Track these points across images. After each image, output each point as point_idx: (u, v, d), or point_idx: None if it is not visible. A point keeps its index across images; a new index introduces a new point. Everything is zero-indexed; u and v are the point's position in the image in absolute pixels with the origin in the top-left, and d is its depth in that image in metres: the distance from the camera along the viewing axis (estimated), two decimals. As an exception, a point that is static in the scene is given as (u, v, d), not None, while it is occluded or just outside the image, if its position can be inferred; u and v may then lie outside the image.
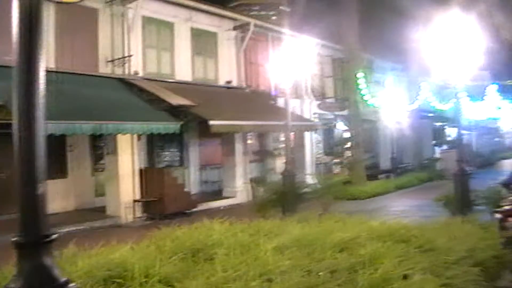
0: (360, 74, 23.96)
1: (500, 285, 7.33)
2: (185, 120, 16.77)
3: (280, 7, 38.25)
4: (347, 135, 26.86)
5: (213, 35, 21.16)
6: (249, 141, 22.32)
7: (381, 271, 5.86)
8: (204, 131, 18.02)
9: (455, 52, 12.22)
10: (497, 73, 33.72)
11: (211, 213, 11.34)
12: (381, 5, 25.92)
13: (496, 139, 58.92)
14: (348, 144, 24.82)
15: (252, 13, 25.02)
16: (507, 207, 7.09)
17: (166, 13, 19.04)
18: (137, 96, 16.59)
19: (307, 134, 25.16)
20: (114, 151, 16.54)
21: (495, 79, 33.06)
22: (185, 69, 19.76)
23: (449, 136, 37.65)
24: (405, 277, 5.88)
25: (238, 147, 20.97)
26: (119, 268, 6.07)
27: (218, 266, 6.17)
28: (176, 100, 16.83)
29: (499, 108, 37.76)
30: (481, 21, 13.55)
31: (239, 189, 20.37)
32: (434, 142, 38.38)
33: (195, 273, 6.18)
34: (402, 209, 16.88)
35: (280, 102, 20.98)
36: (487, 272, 7.02)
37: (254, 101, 21.12)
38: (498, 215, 7.14)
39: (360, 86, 24.17)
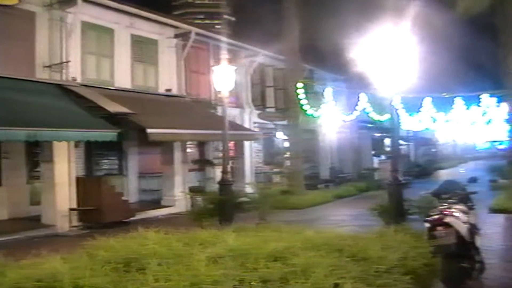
0: (300, 85, 24.16)
1: (431, 292, 7.49)
2: (123, 128, 16.56)
3: (225, 17, 38.31)
4: (287, 144, 27.03)
5: (154, 42, 21.03)
6: (188, 150, 22.24)
7: (312, 280, 5.90)
8: (143, 139, 17.85)
9: (391, 65, 12.47)
10: (432, 85, 34.47)
11: (150, 222, 11.22)
12: (322, 16, 26.27)
13: (433, 150, 60.34)
14: (288, 154, 24.96)
15: (196, 21, 25.09)
16: (435, 217, 7.24)
17: (106, 19, 18.82)
18: (75, 103, 16.27)
19: (247, 144, 25.25)
20: (50, 159, 16.20)
21: (430, 92, 33.75)
22: (124, 76, 19.57)
23: (388, 146, 38.30)
24: (336, 286, 5.94)
25: (177, 155, 20.86)
26: (49, 279, 5.96)
27: (150, 276, 6.10)
28: (114, 107, 16.62)
29: (435, 120, 38.59)
30: (417, 35, 13.86)
31: (178, 198, 20.22)
32: (373, 152, 39.03)
33: (126, 283, 6.10)
34: (339, 218, 17.10)
35: (220, 111, 21.00)
36: (418, 280, 7.15)
37: (193, 109, 21.04)
38: (427, 224, 7.28)
39: (300, 96, 24.36)
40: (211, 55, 22.99)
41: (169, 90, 21.08)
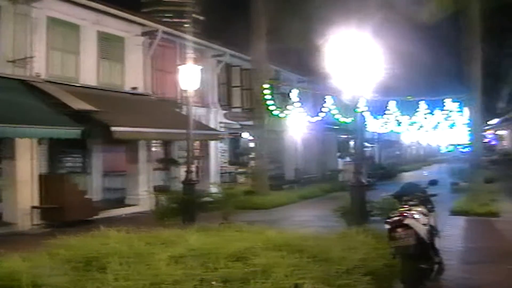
0: (266, 85, 24.23)
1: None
2: (88, 126, 16.40)
3: (193, 16, 38.18)
4: (252, 145, 27.09)
5: (121, 40, 20.86)
6: (153, 149, 22.14)
7: (272, 280, 5.95)
8: (107, 137, 17.66)
9: (356, 68, 12.60)
10: (397, 89, 34.91)
11: (113, 221, 11.20)
12: (290, 18, 26.37)
13: (397, 153, 61.01)
14: (253, 154, 25.00)
15: (165, 19, 24.91)
16: (395, 218, 7.33)
17: (73, 15, 18.57)
18: (39, 99, 16.03)
19: (212, 143, 25.23)
20: (12, 156, 15.93)
21: (395, 95, 34.18)
22: (90, 73, 19.37)
23: (353, 148, 38.61)
24: (296, 286, 5.99)
25: (142, 154, 20.75)
26: (7, 278, 5.90)
27: (110, 275, 6.09)
28: (79, 105, 16.46)
29: (400, 123, 39.10)
30: (382, 39, 14.02)
31: (142, 197, 20.09)
32: (338, 154, 39.31)
33: (86, 282, 6.08)
34: (303, 219, 17.17)
35: (186, 110, 20.94)
36: (378, 280, 7.25)
37: (159, 108, 20.93)
38: (387, 226, 7.37)
39: (266, 97, 24.44)
40: (178, 54, 22.91)
41: (135, 88, 20.95)
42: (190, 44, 19.52)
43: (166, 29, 22.46)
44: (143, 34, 21.66)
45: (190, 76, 15.85)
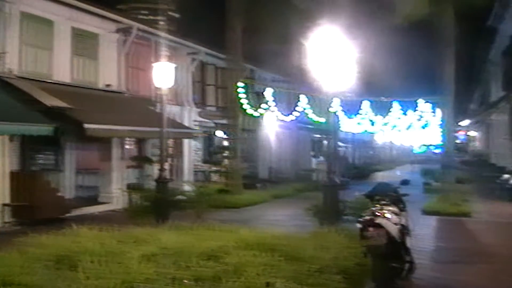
0: (241, 84, 24.24)
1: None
2: (60, 123, 16.25)
3: (169, 13, 38.09)
4: (226, 143, 27.07)
5: (95, 36, 20.67)
6: (127, 147, 22.01)
7: (244, 279, 5.97)
8: (80, 134, 17.50)
9: (330, 67, 12.67)
10: (371, 89, 35.16)
11: (86, 219, 11.12)
12: (265, 17, 26.42)
13: (371, 153, 61.44)
14: (227, 153, 24.99)
15: (140, 16, 24.75)
16: (367, 218, 7.39)
17: (46, 10, 18.34)
18: (11, 96, 15.80)
19: (186, 142, 25.15)
20: (-18, 153, 15.79)
21: (369, 95, 34.44)
22: (63, 70, 19.16)
23: (327, 148, 38.76)
24: (268, 285, 6.01)
25: (116, 152, 20.62)
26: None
27: (82, 274, 6.06)
28: (52, 101, 16.30)
29: (373, 123, 39.35)
30: (357, 40, 14.10)
31: (116, 195, 19.97)
32: (312, 153, 39.46)
33: (57, 281, 6.03)
34: (275, 218, 17.21)
35: (160, 108, 20.87)
36: (350, 279, 7.30)
37: (133, 106, 20.82)
38: (359, 225, 7.42)
39: (240, 96, 24.44)
40: (153, 51, 22.78)
41: (109, 85, 20.79)
42: (165, 42, 19.42)
43: (141, 26, 22.31)
44: (118, 31, 21.49)
45: (164, 74, 15.82)
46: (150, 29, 23.09)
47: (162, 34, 22.10)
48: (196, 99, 26.99)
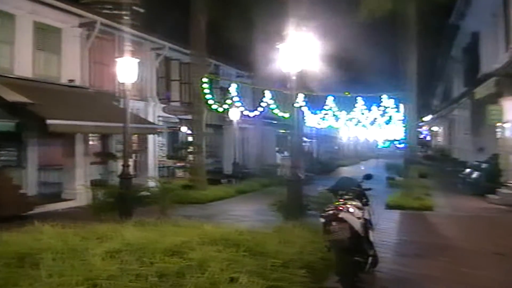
0: (205, 79, 24.18)
1: (326, 285, 7.68)
2: (22, 119, 16.05)
3: (133, 8, 37.76)
4: (191, 139, 27.01)
5: (58, 31, 20.42)
6: (91, 142, 21.81)
7: (208, 274, 5.97)
8: (43, 130, 17.30)
9: (293, 63, 12.73)
10: (335, 85, 35.40)
11: (49, 216, 10.96)
12: (230, 12, 26.41)
13: (336, 148, 61.86)
14: (191, 148, 24.92)
15: (104, 11, 24.34)
16: (330, 212, 7.44)
17: (8, 4, 18.06)
18: (-29, 91, 15.65)
19: (150, 137, 25.05)
20: None
21: (333, 91, 34.66)
22: (25, 65, 18.90)
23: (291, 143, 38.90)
24: (231, 279, 6.02)
25: (79, 148, 20.43)
26: None
27: (44, 271, 5.99)
28: (13, 97, 16.09)
29: (337, 118, 39.58)
30: (322, 36, 14.21)
31: (79, 192, 19.76)
32: (277, 148, 39.57)
33: (18, 279, 5.96)
34: (240, 213, 17.23)
35: (124, 104, 20.73)
36: (314, 273, 7.35)
37: (97, 101, 20.64)
38: (322, 220, 7.46)
39: (205, 91, 24.39)
40: (117, 46, 22.59)
41: (72, 80, 20.56)
42: (129, 37, 19.27)
43: (104, 20, 22.08)
44: (81, 25, 21.27)
45: (127, 69, 15.73)
46: (114, 24, 22.87)
47: (126, 29, 21.91)
48: (161, 95, 26.86)
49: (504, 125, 20.08)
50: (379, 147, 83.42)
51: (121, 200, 14.38)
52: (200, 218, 12.54)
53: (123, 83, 16.26)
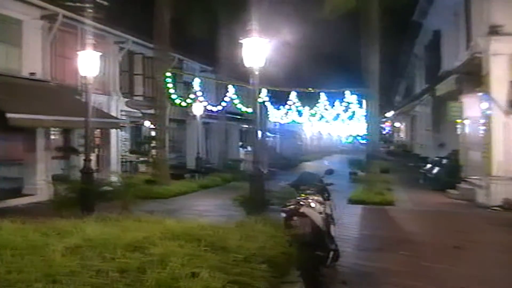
0: (168, 74, 24.08)
1: (288, 280, 7.73)
2: (-19, 112, 15.79)
3: (97, 0, 37.37)
4: (154, 134, 26.88)
5: (19, 22, 20.07)
6: (52, 137, 21.55)
7: (169, 269, 5.96)
8: (3, 124, 17.06)
9: (256, 58, 12.75)
10: (298, 80, 35.58)
11: (9, 212, 10.88)
12: (193, 7, 26.34)
13: (299, 143, 62.14)
14: (154, 143, 24.80)
15: (67, 3, 23.96)
16: (291, 207, 7.47)
17: (-35, -5, 17.81)
18: None
19: (113, 132, 24.83)
20: None
21: (296, 87, 34.82)
22: (-15, 57, 18.63)
23: (254, 138, 38.95)
24: (193, 274, 6.02)
25: (40, 142, 20.18)
26: None
27: (2, 268, 5.91)
28: (-30, 90, 15.83)
29: (301, 113, 39.84)
30: (285, 32, 14.26)
31: (40, 187, 19.55)
32: (240, 143, 39.65)
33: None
34: (203, 208, 17.25)
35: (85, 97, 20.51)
36: (275, 268, 7.38)
37: (59, 95, 20.38)
38: (283, 214, 7.50)
39: (168, 86, 24.30)
40: (80, 39, 22.32)
41: (33, 73, 20.25)
42: (91, 30, 19.03)
43: (67, 13, 21.74)
44: (43, 17, 20.95)
45: (90, 63, 15.59)
46: (77, 17, 22.55)
47: (89, 21, 21.64)
48: (124, 89, 26.64)
49: (464, 121, 20.45)
50: (342, 142, 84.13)
51: (83, 195, 14.26)
52: (163, 213, 12.50)
53: (85, 77, 16.11)
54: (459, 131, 21.80)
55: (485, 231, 12.93)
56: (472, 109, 19.30)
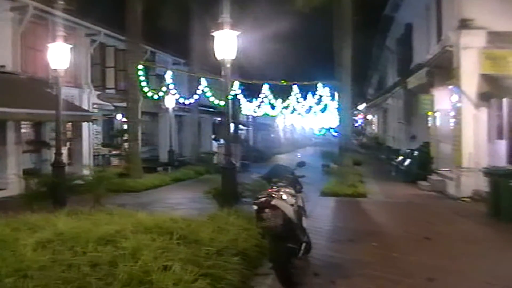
0: (140, 66, 23.95)
1: (260, 272, 7.77)
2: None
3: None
4: (126, 127, 26.73)
5: (-13, 14, 19.84)
6: (23, 130, 21.32)
7: (141, 263, 5.97)
8: (-28, 118, 16.90)
9: (229, 51, 12.76)
10: (271, 73, 35.62)
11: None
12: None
13: (272, 136, 62.26)
14: (127, 136, 24.65)
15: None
16: (263, 199, 7.46)
17: None
18: None
19: (85, 125, 24.62)
20: None
21: (269, 79, 34.86)
22: (-47, 50, 18.35)
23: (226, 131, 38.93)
24: (165, 268, 6.04)
25: (11, 136, 19.94)
26: None
27: (-28, 264, 5.88)
28: None
29: (273, 106, 39.93)
30: (257, 24, 14.28)
31: (11, 181, 19.31)
32: (213, 136, 39.61)
33: None
34: (175, 201, 17.21)
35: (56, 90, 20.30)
36: (248, 260, 7.43)
37: (29, 88, 20.14)
38: (255, 207, 7.49)
39: (140, 78, 24.17)
40: (51, 31, 22.07)
41: (2, 66, 19.97)
42: (62, 22, 18.83)
43: (37, 5, 21.44)
44: (13, 9, 20.67)
45: (60, 55, 15.44)
46: (48, 8, 22.28)
47: (59, 13, 21.42)
48: (95, 82, 26.41)
49: (435, 114, 20.67)
50: (315, 135, 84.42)
51: (54, 189, 14.16)
52: (135, 207, 12.49)
53: (55, 70, 15.95)
54: (430, 124, 22.02)
55: (455, 222, 13.08)
56: (443, 102, 19.52)
